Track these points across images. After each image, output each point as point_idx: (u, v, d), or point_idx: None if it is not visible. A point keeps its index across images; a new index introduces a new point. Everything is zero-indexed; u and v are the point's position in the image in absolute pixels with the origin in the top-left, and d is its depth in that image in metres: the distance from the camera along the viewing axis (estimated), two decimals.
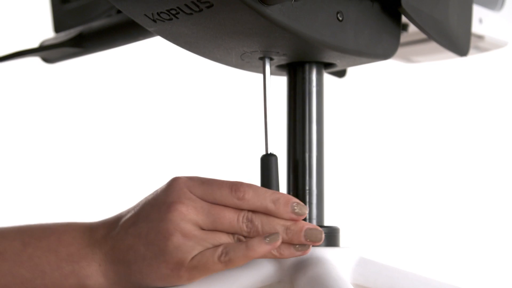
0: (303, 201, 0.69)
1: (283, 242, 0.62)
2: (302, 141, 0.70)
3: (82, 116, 1.57)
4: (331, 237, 0.69)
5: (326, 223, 0.71)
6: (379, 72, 1.53)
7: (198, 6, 0.58)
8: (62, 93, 1.56)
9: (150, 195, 0.65)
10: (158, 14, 0.61)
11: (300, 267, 0.66)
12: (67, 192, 1.52)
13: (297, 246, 0.62)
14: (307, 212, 0.63)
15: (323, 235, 0.63)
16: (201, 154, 1.56)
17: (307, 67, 0.70)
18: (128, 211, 0.65)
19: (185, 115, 1.60)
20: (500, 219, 1.60)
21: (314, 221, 0.69)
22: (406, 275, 0.68)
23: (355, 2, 0.65)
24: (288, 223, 0.62)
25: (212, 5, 0.57)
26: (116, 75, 1.58)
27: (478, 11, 0.84)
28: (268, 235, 0.61)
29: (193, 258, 0.61)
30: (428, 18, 0.70)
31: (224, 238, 0.62)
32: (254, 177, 0.68)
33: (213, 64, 0.71)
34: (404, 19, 0.71)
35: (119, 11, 0.82)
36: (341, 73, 0.88)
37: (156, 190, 0.64)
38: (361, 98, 1.64)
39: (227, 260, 0.61)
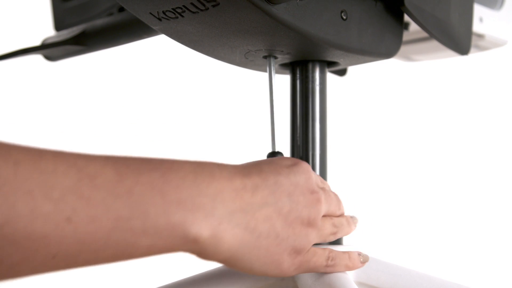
0: None
1: None
2: (306, 139, 0.70)
3: (85, 114, 1.57)
4: None
5: None
6: (381, 71, 1.53)
7: (204, 5, 0.58)
8: (64, 91, 1.56)
9: (275, 167, 0.59)
10: (163, 12, 0.61)
11: None
12: None
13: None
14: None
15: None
16: (207, 153, 1.56)
17: (310, 65, 0.71)
18: (250, 170, 0.57)
19: (190, 114, 1.60)
20: (501, 217, 1.61)
21: None
22: (409, 273, 0.68)
23: (359, 1, 0.66)
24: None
25: (218, 4, 0.57)
26: (119, 73, 1.58)
27: (478, 10, 0.85)
28: (361, 254, 0.66)
29: (309, 250, 0.60)
30: (430, 17, 0.70)
31: (326, 230, 0.62)
32: None
33: (218, 62, 0.71)
34: (405, 18, 0.71)
35: (121, 10, 0.82)
36: (342, 72, 0.89)
37: (281, 163, 0.59)
38: (363, 96, 1.64)
39: (332, 265, 0.63)
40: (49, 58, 0.86)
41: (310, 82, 0.71)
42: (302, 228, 0.58)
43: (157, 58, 1.56)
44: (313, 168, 0.71)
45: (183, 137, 1.58)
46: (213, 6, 0.58)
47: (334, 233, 0.63)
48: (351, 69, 0.87)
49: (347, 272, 0.67)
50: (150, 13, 0.62)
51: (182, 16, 0.60)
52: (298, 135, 0.71)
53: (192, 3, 0.58)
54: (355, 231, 0.67)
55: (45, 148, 0.47)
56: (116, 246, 0.48)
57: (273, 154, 0.68)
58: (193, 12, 0.59)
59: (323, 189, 0.62)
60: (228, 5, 0.57)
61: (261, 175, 0.57)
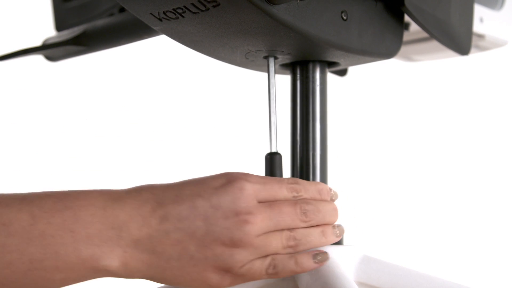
0: None
1: (327, 226, 0.63)
2: (306, 139, 0.70)
3: (86, 114, 1.57)
4: None
5: None
6: (382, 71, 1.53)
7: (204, 5, 0.58)
8: (65, 91, 1.56)
9: (201, 187, 0.60)
10: (164, 13, 0.61)
11: None
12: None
13: (335, 229, 0.64)
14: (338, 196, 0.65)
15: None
16: (206, 153, 1.57)
17: (311, 66, 0.71)
18: (164, 194, 0.59)
19: (190, 113, 1.60)
20: (501, 217, 1.61)
21: None
22: (409, 273, 0.68)
23: (359, 1, 0.66)
24: (334, 205, 0.64)
25: (219, 4, 0.58)
26: (119, 73, 1.58)
27: (478, 11, 0.85)
28: (317, 254, 0.62)
29: (242, 266, 0.60)
30: (430, 17, 0.70)
31: (274, 246, 0.61)
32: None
33: (218, 62, 0.71)
34: (405, 18, 0.71)
35: (122, 10, 0.82)
36: (342, 72, 0.89)
37: (209, 184, 0.60)
38: (364, 96, 1.64)
39: (274, 273, 0.61)
40: (50, 58, 0.87)
41: (311, 82, 0.71)
42: (224, 249, 0.59)
43: (158, 58, 1.56)
44: (314, 168, 0.70)
45: (183, 137, 1.58)
46: (214, 6, 0.58)
47: (292, 246, 0.61)
48: (351, 69, 0.87)
49: (347, 272, 0.67)
50: (151, 13, 0.62)
51: (183, 16, 0.61)
52: (298, 135, 0.71)
53: (192, 4, 0.58)
54: (352, 228, 0.67)
55: None
56: (33, 284, 0.55)
57: (272, 154, 0.68)
58: (194, 13, 0.60)
59: (268, 204, 0.60)
60: (229, 5, 0.58)
61: (176, 200, 0.59)
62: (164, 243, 0.58)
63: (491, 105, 1.66)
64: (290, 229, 0.61)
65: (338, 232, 0.64)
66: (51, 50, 0.83)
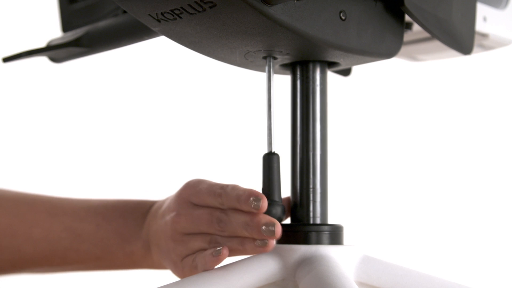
0: (307, 199, 0.70)
1: (247, 238, 0.66)
2: (306, 139, 0.70)
3: (89, 116, 1.58)
4: (335, 235, 0.69)
5: (330, 221, 0.71)
6: (383, 71, 1.53)
7: (201, 6, 0.58)
8: (69, 93, 1.57)
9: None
10: (162, 14, 0.61)
11: (304, 265, 0.66)
12: (72, 190, 1.53)
13: (257, 241, 0.66)
14: (262, 204, 0.65)
15: (279, 228, 0.65)
16: (204, 153, 1.57)
17: (310, 66, 0.71)
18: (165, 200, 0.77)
19: (189, 114, 1.61)
20: (502, 217, 1.60)
21: (318, 219, 0.70)
22: (410, 273, 0.68)
23: (358, 1, 0.66)
24: (247, 218, 0.65)
25: (215, 5, 0.58)
26: (122, 74, 1.59)
27: (482, 9, 0.85)
28: (214, 250, 0.67)
29: (182, 260, 0.71)
30: (431, 16, 0.70)
31: (198, 244, 0.70)
32: (256, 176, 0.68)
33: (217, 63, 0.71)
34: (408, 17, 0.71)
35: (125, 11, 0.82)
36: (346, 72, 0.88)
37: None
38: (365, 96, 1.64)
39: (194, 267, 0.69)
40: (54, 60, 0.87)
41: (311, 83, 0.71)
42: (168, 242, 0.73)
43: (159, 59, 1.57)
44: (314, 168, 0.70)
45: (183, 138, 1.58)
46: (210, 7, 0.58)
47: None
48: (354, 69, 0.87)
49: (347, 271, 0.68)
50: (149, 14, 0.62)
51: (180, 17, 0.61)
52: (298, 135, 0.71)
53: (189, 5, 0.59)
54: (352, 228, 0.68)
55: None
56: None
57: (269, 154, 0.68)
58: (191, 14, 0.60)
59: (196, 208, 0.70)
60: (225, 6, 0.58)
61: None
62: (154, 236, 0.77)
63: (495, 105, 1.65)
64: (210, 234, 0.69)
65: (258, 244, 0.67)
66: (55, 52, 0.84)
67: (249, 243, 0.66)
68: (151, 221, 0.77)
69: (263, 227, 0.65)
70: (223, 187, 0.67)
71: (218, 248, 0.66)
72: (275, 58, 0.69)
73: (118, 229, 0.79)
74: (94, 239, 0.79)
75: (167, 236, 0.72)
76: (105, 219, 0.79)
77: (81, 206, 0.82)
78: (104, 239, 0.79)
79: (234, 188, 0.66)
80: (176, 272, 0.74)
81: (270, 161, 0.67)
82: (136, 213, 0.79)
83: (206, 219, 0.68)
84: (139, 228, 0.78)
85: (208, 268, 0.67)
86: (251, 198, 0.65)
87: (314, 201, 0.70)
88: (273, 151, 0.68)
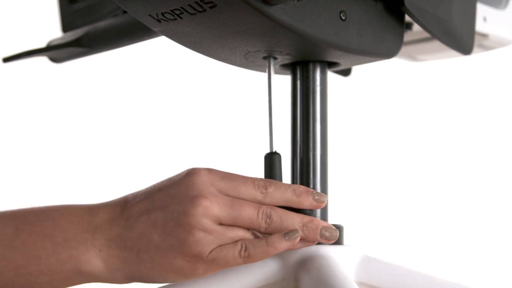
0: None
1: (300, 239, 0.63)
2: (306, 139, 0.70)
3: (89, 115, 1.58)
4: None
5: (330, 221, 0.71)
6: (383, 71, 1.53)
7: (201, 6, 0.58)
8: (69, 93, 1.57)
9: (163, 183, 0.63)
10: (162, 14, 0.61)
11: (304, 265, 0.66)
12: (73, 190, 1.53)
13: (298, 243, 0.63)
14: (326, 200, 0.64)
15: (338, 234, 0.64)
16: (206, 152, 1.57)
17: (311, 66, 0.71)
18: (135, 196, 0.64)
19: (190, 114, 1.61)
20: (503, 217, 1.60)
21: None
22: (410, 273, 0.68)
23: (358, 1, 0.66)
24: (306, 219, 0.63)
25: (215, 5, 0.58)
26: (122, 74, 1.59)
27: (482, 10, 0.85)
28: (288, 232, 0.62)
29: (212, 251, 0.61)
30: (431, 17, 0.70)
31: (242, 233, 0.62)
32: (258, 175, 0.68)
33: (218, 63, 0.71)
34: (408, 17, 0.71)
35: (125, 11, 0.82)
36: (346, 72, 0.89)
37: (171, 179, 0.63)
38: (365, 96, 1.64)
39: (246, 256, 0.62)
40: (54, 60, 0.87)
41: (311, 83, 0.71)
42: (187, 234, 0.61)
43: (159, 59, 1.57)
44: (314, 169, 0.70)
45: (184, 138, 1.58)
46: (211, 7, 0.58)
47: (244, 249, 0.62)
48: (354, 69, 0.87)
49: (348, 272, 0.68)
50: (149, 15, 0.62)
51: (181, 17, 0.61)
52: (298, 136, 0.71)
53: (189, 5, 0.59)
54: (352, 228, 0.67)
55: None
56: None
57: (271, 154, 0.68)
58: (191, 14, 0.60)
59: (229, 199, 0.62)
60: (225, 6, 0.58)
61: (141, 198, 0.63)
62: (132, 237, 0.62)
63: (495, 105, 1.65)
64: (240, 228, 0.62)
65: (278, 242, 0.62)
66: (55, 52, 0.84)
67: (301, 243, 0.64)
68: (130, 219, 0.63)
69: (323, 231, 0.63)
70: (262, 180, 0.63)
71: (292, 231, 0.62)
72: (275, 58, 0.69)
73: (47, 232, 0.63)
74: (13, 243, 0.62)
75: (188, 227, 0.60)
76: (27, 221, 0.63)
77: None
78: (28, 243, 0.62)
79: (281, 183, 0.64)
80: (193, 268, 0.61)
81: (272, 160, 0.67)
82: (78, 214, 0.64)
83: (249, 214, 0.62)
84: (90, 232, 0.63)
85: (274, 253, 0.61)
86: (313, 192, 0.64)
87: None
88: (274, 150, 0.68)
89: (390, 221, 1.58)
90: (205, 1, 0.58)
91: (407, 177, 1.62)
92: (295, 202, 0.63)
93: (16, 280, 0.61)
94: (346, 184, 1.50)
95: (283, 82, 0.74)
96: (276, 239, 0.62)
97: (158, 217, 0.61)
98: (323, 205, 0.64)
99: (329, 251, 0.67)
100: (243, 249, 0.62)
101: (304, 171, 0.70)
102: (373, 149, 1.63)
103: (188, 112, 1.60)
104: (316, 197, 0.64)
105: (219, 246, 0.61)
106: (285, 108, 0.72)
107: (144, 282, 0.63)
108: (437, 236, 1.59)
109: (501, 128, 1.64)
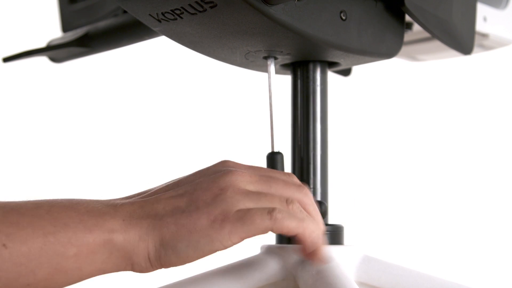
0: None
1: None
2: (307, 139, 0.70)
3: (89, 115, 1.58)
4: (335, 235, 0.69)
5: (331, 221, 0.71)
6: (384, 71, 1.53)
7: (202, 6, 0.59)
8: (69, 93, 1.57)
9: (193, 173, 0.63)
10: (162, 14, 0.61)
11: (305, 265, 0.66)
12: (73, 190, 1.53)
13: None
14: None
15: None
16: (208, 153, 1.57)
17: (311, 66, 0.71)
18: (154, 188, 0.63)
19: (192, 114, 1.61)
20: (503, 217, 1.60)
21: None
22: (410, 273, 0.68)
23: (358, 1, 0.66)
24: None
25: (215, 5, 0.58)
26: (122, 74, 1.59)
27: (482, 10, 0.85)
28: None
29: (239, 210, 0.58)
30: (431, 16, 0.70)
31: (273, 203, 0.59)
32: None
33: (218, 63, 0.71)
34: (408, 17, 0.71)
35: (125, 11, 0.82)
36: (346, 72, 0.89)
37: (201, 170, 0.63)
38: (365, 97, 1.64)
39: (279, 218, 0.58)
40: (54, 60, 0.87)
41: (311, 83, 0.71)
42: (215, 197, 0.58)
43: (159, 59, 1.57)
44: (314, 168, 0.70)
45: (184, 138, 1.58)
46: (211, 7, 0.58)
47: (271, 213, 0.58)
48: (354, 69, 0.87)
49: (348, 272, 0.68)
50: (150, 14, 0.62)
51: (181, 17, 0.61)
52: (298, 136, 0.71)
53: (190, 5, 0.59)
54: (352, 228, 0.66)
55: None
56: (49, 262, 0.57)
57: (273, 154, 0.68)
58: (192, 14, 0.60)
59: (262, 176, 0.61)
60: (226, 6, 0.58)
61: (165, 184, 0.63)
62: (156, 208, 0.59)
63: (495, 105, 1.65)
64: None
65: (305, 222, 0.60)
66: (55, 52, 0.84)
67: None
68: (152, 198, 0.61)
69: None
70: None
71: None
72: (275, 58, 0.69)
73: (70, 205, 0.61)
74: (38, 212, 0.60)
75: (217, 190, 0.59)
76: (45, 200, 0.61)
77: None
78: (53, 212, 0.60)
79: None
80: (218, 227, 0.58)
81: (274, 160, 0.67)
82: (94, 200, 0.62)
83: (281, 189, 0.60)
84: (112, 206, 0.61)
85: (305, 229, 0.59)
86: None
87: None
88: (277, 150, 0.68)
89: (390, 221, 1.58)
90: (205, 1, 0.58)
91: (407, 177, 1.62)
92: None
93: (44, 249, 0.56)
94: (346, 184, 1.50)
95: (283, 82, 0.74)
96: (310, 220, 0.59)
97: (187, 189, 0.60)
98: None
99: (329, 251, 0.67)
100: (274, 211, 0.58)
101: (304, 171, 0.70)
102: (373, 149, 1.63)
103: (189, 112, 1.60)
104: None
105: (246, 208, 0.58)
106: (285, 108, 0.72)
107: (167, 259, 0.60)
108: (437, 236, 1.59)
109: (501, 128, 1.64)
